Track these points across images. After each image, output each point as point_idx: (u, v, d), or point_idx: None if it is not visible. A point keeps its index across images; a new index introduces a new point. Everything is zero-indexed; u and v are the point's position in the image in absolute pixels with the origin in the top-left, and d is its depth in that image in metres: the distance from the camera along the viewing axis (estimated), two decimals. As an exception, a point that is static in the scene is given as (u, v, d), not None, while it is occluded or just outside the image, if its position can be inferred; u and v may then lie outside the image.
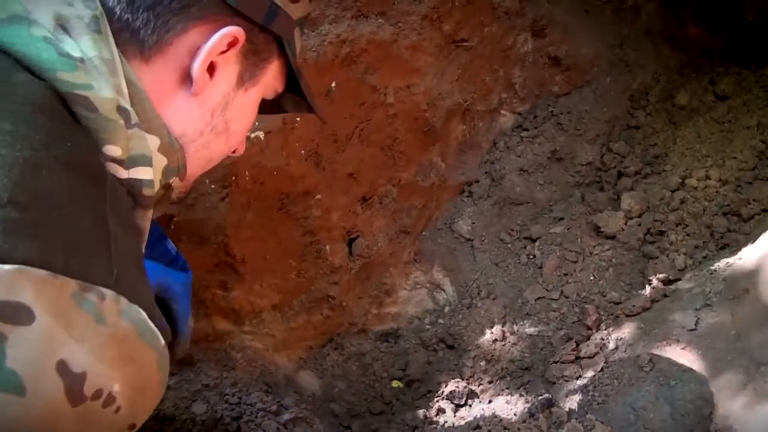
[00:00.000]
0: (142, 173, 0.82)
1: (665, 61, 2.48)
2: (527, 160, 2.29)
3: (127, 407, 0.66)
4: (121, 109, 0.77)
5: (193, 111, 0.91)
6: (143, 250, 0.86)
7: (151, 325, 0.69)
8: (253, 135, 1.72)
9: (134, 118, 0.80)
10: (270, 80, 1.01)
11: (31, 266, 0.57)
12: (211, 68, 0.89)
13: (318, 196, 1.87)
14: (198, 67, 0.86)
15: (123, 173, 0.79)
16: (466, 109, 2.21)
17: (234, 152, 1.06)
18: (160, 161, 0.86)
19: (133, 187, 0.81)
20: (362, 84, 1.91)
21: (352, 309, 2.07)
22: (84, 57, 0.76)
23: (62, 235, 0.63)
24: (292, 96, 1.09)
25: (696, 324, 1.70)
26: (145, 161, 0.82)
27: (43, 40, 0.74)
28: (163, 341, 0.71)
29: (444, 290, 2.16)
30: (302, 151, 1.81)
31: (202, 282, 1.79)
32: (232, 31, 0.87)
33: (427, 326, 2.12)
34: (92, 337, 0.62)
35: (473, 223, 2.23)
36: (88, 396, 0.61)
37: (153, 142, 0.84)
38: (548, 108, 2.37)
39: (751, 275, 1.71)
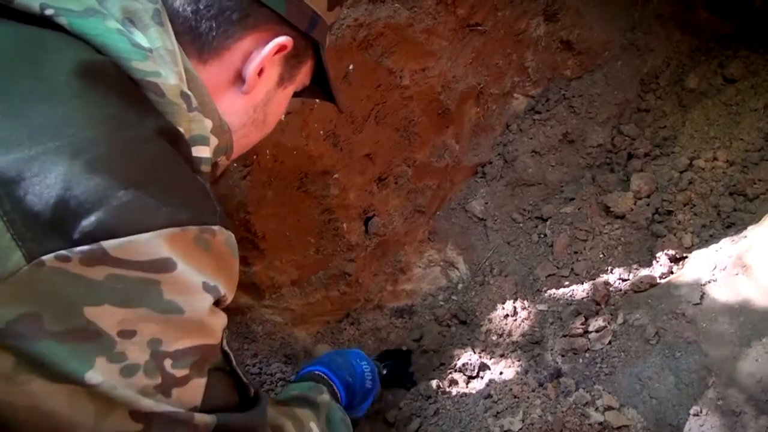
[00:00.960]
0: (201, 151, 0.93)
1: (675, 45, 2.52)
2: (539, 142, 2.35)
3: (228, 296, 0.84)
4: (183, 95, 0.87)
5: (240, 106, 1.02)
6: None
7: (234, 240, 0.85)
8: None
9: (194, 102, 0.89)
10: (303, 77, 1.12)
11: (163, 228, 0.73)
12: (260, 70, 0.99)
13: (336, 176, 1.94)
14: (252, 70, 0.97)
15: None
16: (479, 92, 2.26)
17: None
18: (213, 141, 0.96)
19: (193, 164, 0.92)
20: (378, 67, 1.97)
21: (368, 285, 2.14)
22: (152, 47, 0.85)
23: (177, 195, 0.77)
24: (311, 85, 1.19)
25: (701, 298, 1.76)
26: (204, 141, 0.93)
27: (117, 32, 0.82)
28: (234, 240, 0.86)
29: (457, 268, 2.23)
30: (320, 132, 1.87)
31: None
32: (282, 40, 0.97)
33: (441, 303, 2.19)
34: (207, 263, 0.79)
35: (486, 203, 2.30)
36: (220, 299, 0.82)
37: (207, 124, 0.94)
38: (560, 91, 2.42)
39: (754, 252, 1.76)
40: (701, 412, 1.56)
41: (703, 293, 1.77)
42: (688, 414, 1.57)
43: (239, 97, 1.01)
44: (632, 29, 2.49)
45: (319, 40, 1.07)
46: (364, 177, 2.04)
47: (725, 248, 1.86)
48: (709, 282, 1.79)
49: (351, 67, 1.90)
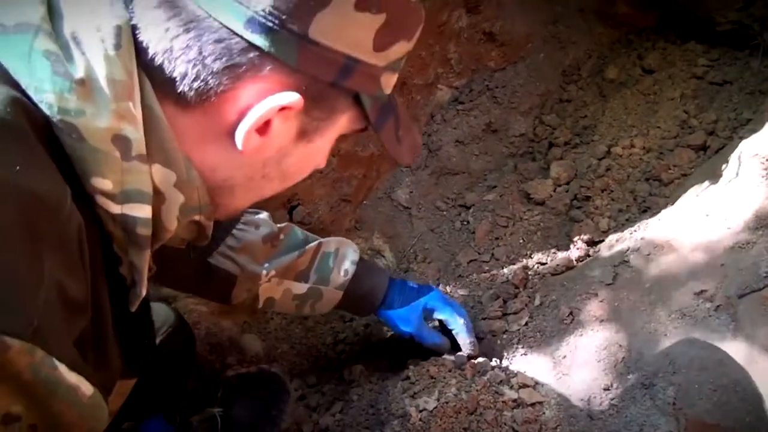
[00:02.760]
0: (137, 210, 0.76)
1: (597, 38, 2.59)
2: (463, 132, 2.39)
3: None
4: (118, 139, 0.72)
5: (240, 161, 0.84)
6: (139, 292, 0.85)
7: (68, 378, 0.64)
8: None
9: (137, 150, 0.74)
10: (344, 126, 0.91)
11: None
12: (267, 125, 0.81)
13: (257, 164, 1.95)
14: (243, 132, 0.79)
15: (115, 208, 0.74)
16: (403, 82, 2.29)
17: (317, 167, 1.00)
18: (177, 197, 0.81)
19: (126, 224, 0.76)
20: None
21: (294, 274, 2.15)
22: (88, 77, 0.70)
23: None
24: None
25: (614, 279, 1.81)
26: (142, 198, 0.76)
27: (43, 55, 0.69)
28: (88, 391, 0.67)
29: (384, 256, 2.26)
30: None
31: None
32: (285, 99, 0.78)
33: (368, 291, 2.22)
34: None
35: (411, 192, 2.33)
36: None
37: (169, 176, 0.79)
38: (484, 82, 2.47)
39: (666, 233, 1.82)
40: (612, 386, 1.61)
41: (616, 274, 1.82)
42: (599, 388, 1.62)
43: (234, 151, 0.81)
44: (554, 22, 2.55)
45: (359, 89, 0.85)
46: (287, 166, 2.05)
47: (639, 231, 1.92)
48: (622, 263, 1.84)
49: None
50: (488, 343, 1.88)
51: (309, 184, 2.12)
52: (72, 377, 0.64)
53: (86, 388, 0.67)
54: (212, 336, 1.98)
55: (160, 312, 1.63)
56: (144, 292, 0.85)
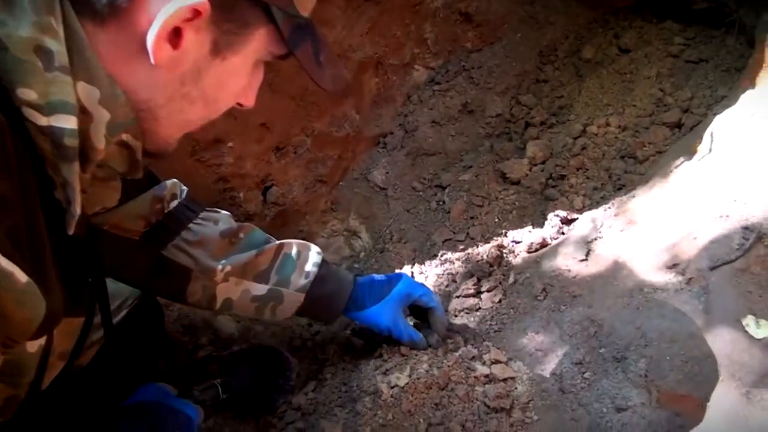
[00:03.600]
0: (63, 121, 0.76)
1: (574, 18, 2.58)
2: (439, 113, 2.38)
3: None
4: (40, 50, 0.73)
5: (157, 78, 0.85)
6: (74, 211, 0.84)
7: (2, 263, 0.67)
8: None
9: (59, 61, 0.75)
10: (260, 46, 0.90)
11: None
12: (178, 35, 0.81)
13: (230, 144, 1.93)
14: (152, 39, 0.78)
15: (42, 120, 0.75)
16: (378, 62, 2.28)
17: (241, 105, 1.03)
18: (102, 115, 0.82)
19: (54, 135, 0.77)
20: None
21: (269, 256, 2.13)
22: None
23: None
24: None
25: (587, 255, 1.81)
26: (67, 108, 0.77)
27: None
28: (23, 278, 0.70)
29: (360, 237, 2.24)
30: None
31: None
32: (190, 4, 0.77)
33: (344, 272, 2.21)
34: None
35: (387, 172, 2.32)
36: None
37: (93, 93, 0.79)
38: (460, 63, 2.46)
39: (639, 209, 1.81)
40: (584, 360, 1.60)
41: (589, 250, 1.82)
42: (572, 363, 1.62)
43: (151, 66, 0.81)
44: (531, 2, 2.54)
45: (273, 2, 0.85)
46: (261, 146, 2.03)
47: (613, 208, 1.91)
48: (596, 239, 1.84)
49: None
50: (462, 320, 1.87)
51: (283, 165, 2.11)
52: (6, 263, 0.67)
53: (21, 275, 0.69)
54: (185, 317, 1.97)
55: (125, 287, 1.59)
56: (78, 211, 0.85)
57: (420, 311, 1.75)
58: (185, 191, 1.51)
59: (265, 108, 2.00)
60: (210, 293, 1.51)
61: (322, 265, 1.64)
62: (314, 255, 1.64)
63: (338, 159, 2.25)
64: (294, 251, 1.62)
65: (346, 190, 2.30)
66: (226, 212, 1.60)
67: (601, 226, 1.86)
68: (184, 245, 1.47)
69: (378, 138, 2.36)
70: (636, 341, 1.55)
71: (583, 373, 1.59)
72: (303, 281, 1.59)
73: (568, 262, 1.82)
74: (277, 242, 1.62)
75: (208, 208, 1.57)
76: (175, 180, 1.48)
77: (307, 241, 2.17)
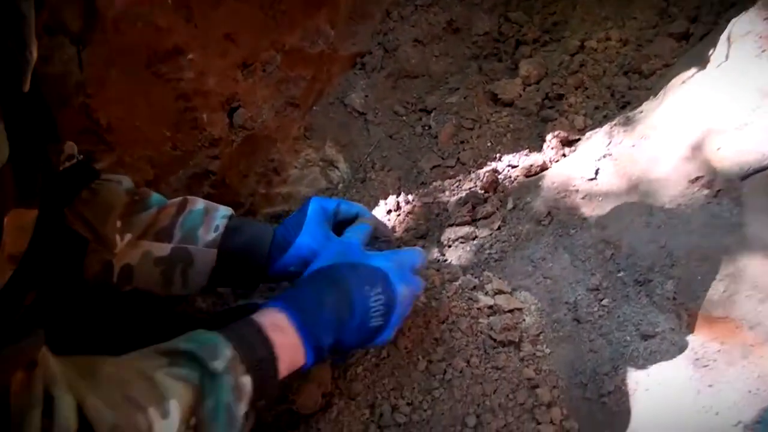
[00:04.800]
0: None
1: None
2: (422, 31, 2.16)
3: None
4: None
5: None
6: (28, 56, 0.74)
7: None
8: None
9: None
10: None
11: None
12: None
13: (190, 56, 1.69)
14: None
15: None
16: (355, -27, 2.06)
17: None
18: None
19: None
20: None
21: (237, 188, 1.91)
22: None
23: None
24: None
25: (596, 173, 1.63)
26: None
27: None
28: None
29: (337, 167, 2.03)
30: (169, 0, 1.62)
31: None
32: None
33: (321, 206, 1.99)
34: None
35: (366, 96, 2.10)
36: None
37: None
38: (443, -23, 2.23)
39: (651, 123, 1.63)
40: (601, 285, 1.43)
41: (598, 168, 1.64)
42: (587, 290, 1.44)
43: None
44: None
45: None
46: (226, 61, 1.80)
47: (620, 124, 1.73)
48: (604, 156, 1.66)
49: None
50: (456, 251, 1.68)
51: (251, 84, 1.87)
52: None
53: None
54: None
55: None
56: (35, 54, 0.74)
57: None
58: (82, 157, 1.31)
59: (229, 17, 1.76)
60: (107, 262, 1.27)
61: (232, 217, 1.39)
62: (224, 209, 1.39)
63: (312, 80, 2.02)
64: (201, 206, 1.37)
65: (321, 116, 2.08)
66: (128, 179, 1.37)
67: (609, 143, 1.68)
68: (82, 207, 1.24)
69: (355, 58, 2.14)
70: (661, 262, 1.38)
71: (601, 300, 1.42)
72: (212, 234, 1.32)
73: (575, 182, 1.64)
74: (181, 198, 1.37)
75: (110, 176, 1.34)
76: (73, 143, 1.29)
77: (279, 171, 1.98)
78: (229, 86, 1.82)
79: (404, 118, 2.07)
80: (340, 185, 2.00)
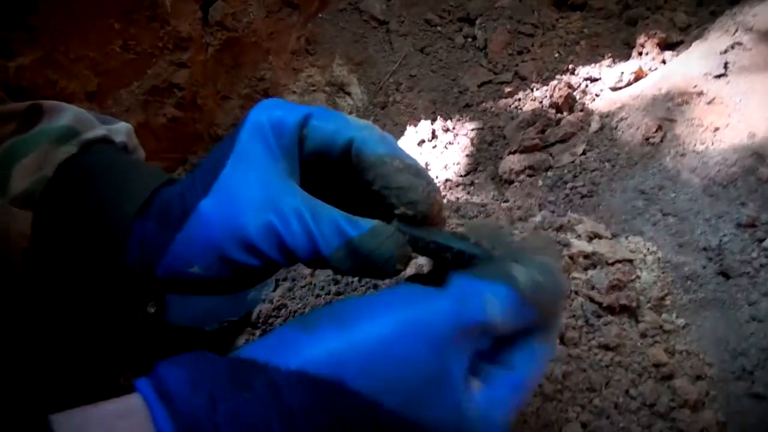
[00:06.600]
0: None
1: None
2: None
3: None
4: None
5: None
6: None
7: None
8: None
9: None
10: None
11: None
12: None
13: None
14: None
15: None
16: None
17: None
18: None
19: None
20: None
21: (214, 112, 1.43)
22: None
23: None
24: None
25: (725, 67, 1.14)
26: None
27: None
28: None
29: (349, 93, 1.54)
30: None
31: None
32: None
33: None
34: None
35: (389, 0, 1.60)
36: None
37: None
38: None
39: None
40: (758, 219, 0.93)
41: (726, 61, 1.15)
42: (735, 226, 0.94)
43: None
44: None
45: None
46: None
47: (744, 13, 1.24)
48: (734, 46, 1.17)
49: None
50: (521, 188, 1.18)
51: (234, -32, 1.39)
52: None
53: None
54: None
55: None
56: None
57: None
58: None
59: None
60: None
61: (98, 145, 0.61)
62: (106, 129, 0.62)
63: (317, -23, 1.54)
64: (65, 119, 0.60)
65: (329, 25, 1.59)
66: None
67: (736, 31, 1.19)
68: None
69: (373, -47, 1.65)
70: None
71: (761, 240, 0.91)
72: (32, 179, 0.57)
73: (694, 82, 1.15)
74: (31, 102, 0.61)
75: None
76: None
77: (269, 93, 1.48)
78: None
79: (439, 28, 1.57)
80: (354, 115, 1.50)
